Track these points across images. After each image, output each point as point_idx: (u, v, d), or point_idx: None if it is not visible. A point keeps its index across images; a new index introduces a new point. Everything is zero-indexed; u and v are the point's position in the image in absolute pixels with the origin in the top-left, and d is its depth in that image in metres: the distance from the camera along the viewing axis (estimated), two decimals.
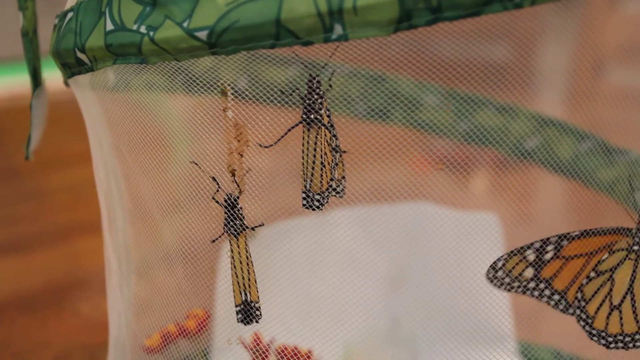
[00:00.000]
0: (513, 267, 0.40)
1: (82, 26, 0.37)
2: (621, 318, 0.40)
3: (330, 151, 0.37)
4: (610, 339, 0.40)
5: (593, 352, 0.50)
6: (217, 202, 0.39)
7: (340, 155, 0.38)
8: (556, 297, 0.41)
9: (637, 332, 0.40)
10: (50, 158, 0.87)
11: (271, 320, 0.41)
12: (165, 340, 0.47)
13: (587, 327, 0.40)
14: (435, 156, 0.53)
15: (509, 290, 0.41)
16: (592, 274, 0.40)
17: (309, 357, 0.47)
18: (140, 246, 0.46)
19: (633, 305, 0.39)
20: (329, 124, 0.37)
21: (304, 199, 0.37)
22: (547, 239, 0.40)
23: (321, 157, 0.37)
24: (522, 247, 0.40)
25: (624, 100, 0.44)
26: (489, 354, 0.41)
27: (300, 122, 0.37)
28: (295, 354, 0.46)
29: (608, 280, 0.39)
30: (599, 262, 0.39)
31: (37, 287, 0.80)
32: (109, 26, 0.35)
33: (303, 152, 0.37)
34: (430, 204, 0.56)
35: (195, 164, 0.38)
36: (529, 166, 0.53)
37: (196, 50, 0.33)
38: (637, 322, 0.39)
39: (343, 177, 0.39)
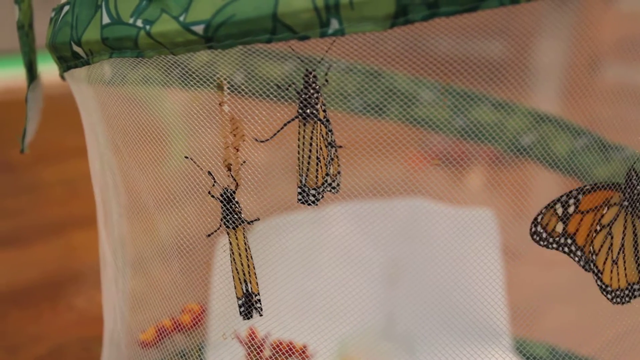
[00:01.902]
0: (548, 222, 0.40)
1: (79, 19, 0.37)
2: (618, 273, 0.40)
3: (326, 146, 0.37)
4: (613, 294, 0.40)
5: (588, 349, 0.50)
6: (213, 196, 0.39)
7: (336, 150, 0.38)
8: (579, 253, 0.41)
9: (626, 287, 0.40)
10: (46, 151, 0.87)
11: (266, 315, 0.41)
12: (160, 334, 0.47)
13: (598, 282, 0.41)
14: (431, 152, 0.53)
15: (547, 246, 0.41)
16: (598, 227, 0.40)
17: (304, 352, 0.47)
18: (136, 240, 0.46)
19: (624, 260, 0.40)
20: (325, 119, 0.37)
21: (299, 194, 0.37)
22: (570, 192, 0.40)
23: (317, 152, 0.37)
24: (553, 201, 0.40)
25: (619, 96, 0.44)
26: (484, 349, 0.41)
27: (296, 117, 0.37)
28: (290, 349, 0.46)
29: (608, 234, 0.40)
30: (602, 215, 0.40)
31: (32, 280, 0.80)
32: (105, 20, 0.35)
33: (299, 147, 0.37)
34: (426, 199, 0.56)
35: (189, 158, 0.38)
36: (524, 162, 0.53)
37: (192, 45, 0.33)
38: (626, 278, 0.40)
39: (338, 172, 0.39)
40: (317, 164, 0.37)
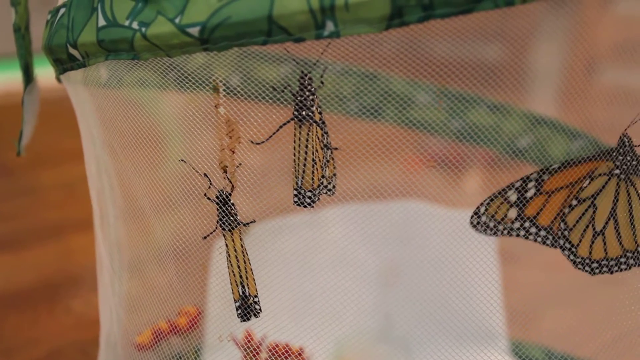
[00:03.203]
0: (496, 211, 0.40)
1: (74, 22, 0.37)
2: (605, 243, 0.40)
3: (322, 148, 0.37)
4: (594, 265, 0.40)
5: (585, 351, 0.50)
6: (209, 198, 0.39)
7: (331, 153, 0.38)
8: (542, 233, 0.41)
9: (621, 255, 0.40)
10: (43, 155, 0.87)
11: (263, 317, 0.41)
12: (157, 337, 0.47)
13: (571, 256, 0.41)
14: (427, 154, 0.53)
15: (494, 234, 0.41)
16: (574, 202, 0.40)
17: (300, 354, 0.47)
18: (132, 243, 0.46)
19: (617, 229, 0.40)
20: (321, 121, 0.37)
21: (295, 196, 0.37)
22: (528, 176, 0.40)
23: (312, 154, 0.37)
24: (502, 189, 0.40)
25: (615, 99, 0.44)
26: (481, 352, 0.42)
27: (292, 119, 0.37)
28: (287, 352, 0.46)
29: (590, 206, 0.40)
30: (580, 189, 0.39)
31: (29, 283, 0.80)
32: (101, 22, 0.35)
33: (294, 149, 0.37)
34: (423, 202, 0.56)
35: (184, 161, 0.38)
36: (521, 165, 0.53)
37: (188, 47, 0.33)
38: (622, 245, 0.40)
39: (334, 175, 0.39)
40: (313, 166, 0.37)
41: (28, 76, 0.49)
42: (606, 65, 0.54)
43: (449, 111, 0.53)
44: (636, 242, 0.40)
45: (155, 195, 0.42)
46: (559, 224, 0.40)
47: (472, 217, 0.41)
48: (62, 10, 0.38)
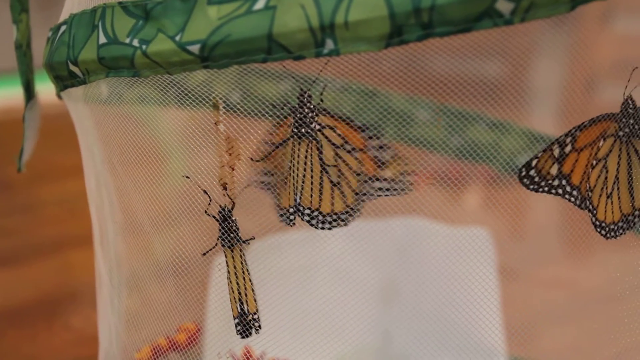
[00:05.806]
0: (543, 166, 0.39)
1: (75, 39, 0.37)
2: (612, 206, 0.39)
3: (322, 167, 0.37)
4: (607, 230, 0.40)
5: None
6: (209, 215, 0.39)
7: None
8: (575, 192, 0.40)
9: (620, 219, 0.39)
10: (42, 170, 0.87)
11: (262, 334, 0.40)
12: (156, 353, 0.47)
13: (593, 219, 0.40)
14: (426, 171, 0.53)
15: (536, 190, 0.40)
16: (594, 162, 0.39)
17: None
18: (132, 259, 0.46)
19: (618, 192, 0.39)
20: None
21: (294, 212, 0.37)
22: (569, 130, 0.39)
23: (311, 171, 0.37)
24: (551, 143, 0.39)
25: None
26: None
27: (291, 137, 0.37)
28: None
29: (603, 167, 0.39)
30: (597, 149, 0.39)
31: (28, 299, 0.79)
32: (102, 39, 0.35)
33: (293, 165, 0.37)
34: (422, 219, 0.56)
35: (188, 177, 0.38)
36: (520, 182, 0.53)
37: (188, 64, 0.33)
38: (621, 210, 0.39)
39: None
40: (312, 183, 0.37)
41: (29, 93, 0.49)
42: (605, 83, 0.54)
43: (448, 128, 0.53)
44: (633, 206, 0.39)
45: (155, 212, 0.42)
46: (586, 184, 0.40)
47: (521, 170, 0.39)
48: (63, 28, 0.38)
